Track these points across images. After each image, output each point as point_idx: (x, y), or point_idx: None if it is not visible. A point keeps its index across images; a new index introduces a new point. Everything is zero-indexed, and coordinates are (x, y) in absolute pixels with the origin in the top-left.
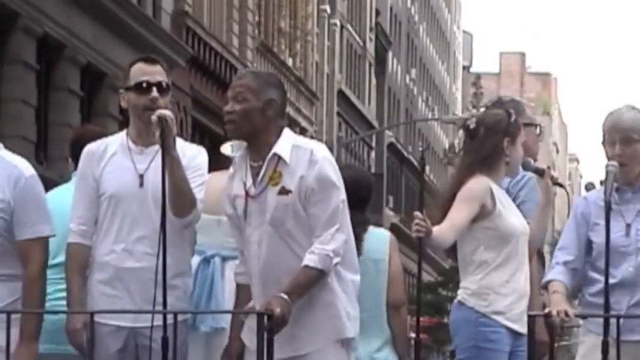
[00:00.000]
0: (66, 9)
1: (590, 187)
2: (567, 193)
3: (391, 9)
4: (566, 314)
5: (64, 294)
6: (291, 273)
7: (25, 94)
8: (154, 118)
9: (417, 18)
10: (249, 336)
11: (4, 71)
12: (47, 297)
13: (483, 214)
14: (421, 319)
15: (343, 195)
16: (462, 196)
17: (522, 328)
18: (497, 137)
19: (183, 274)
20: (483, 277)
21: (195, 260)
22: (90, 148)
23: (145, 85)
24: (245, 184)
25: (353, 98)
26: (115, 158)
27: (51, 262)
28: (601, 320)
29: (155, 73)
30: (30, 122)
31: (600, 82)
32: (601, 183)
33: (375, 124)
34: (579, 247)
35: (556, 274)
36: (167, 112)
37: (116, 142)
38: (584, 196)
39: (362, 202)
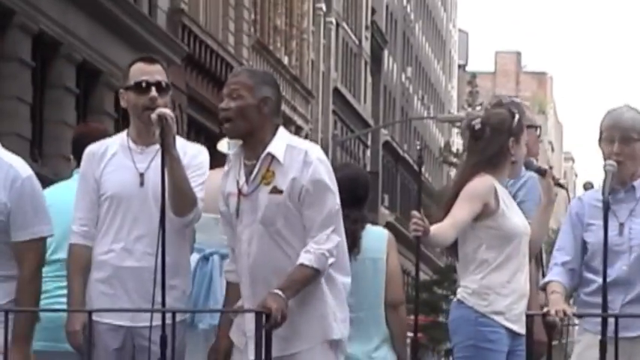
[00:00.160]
0: (62, 6)
1: (588, 186)
2: (568, 194)
3: (387, 7)
4: (565, 314)
5: (63, 291)
6: (280, 273)
7: (20, 92)
8: (153, 117)
9: (412, 16)
10: (236, 334)
11: None
12: (46, 294)
13: (486, 213)
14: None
15: (338, 199)
16: (465, 194)
17: (521, 329)
18: (502, 137)
19: (183, 275)
20: (484, 276)
21: (194, 258)
22: (91, 149)
23: (144, 84)
24: (238, 182)
25: (348, 96)
26: (115, 158)
27: (50, 258)
28: (597, 319)
29: (154, 72)
30: (25, 120)
31: (596, 82)
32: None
33: (371, 122)
34: (576, 247)
35: (554, 275)
36: (167, 111)
37: (117, 142)
38: (579, 196)
39: (359, 200)
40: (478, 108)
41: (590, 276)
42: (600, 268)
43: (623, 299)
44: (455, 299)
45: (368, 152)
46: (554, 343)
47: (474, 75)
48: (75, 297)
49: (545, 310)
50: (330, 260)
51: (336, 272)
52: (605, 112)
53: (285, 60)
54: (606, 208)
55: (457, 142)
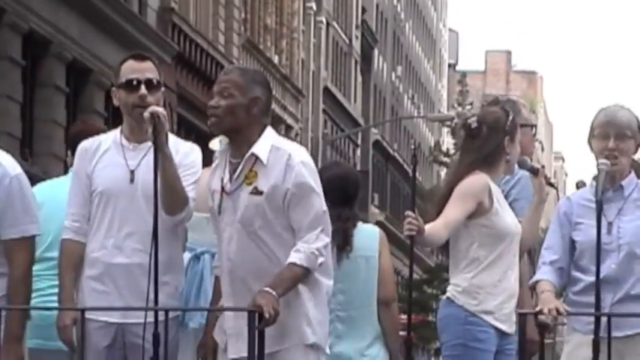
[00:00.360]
0: (52, 5)
1: (581, 185)
2: (557, 194)
3: (377, 6)
4: (558, 312)
5: (56, 290)
6: (258, 273)
7: (10, 90)
8: (146, 114)
9: (403, 16)
10: (219, 334)
11: None
12: (40, 292)
13: (480, 211)
14: (406, 316)
15: (323, 200)
16: (459, 192)
17: (509, 328)
18: (499, 136)
19: (175, 271)
20: (475, 275)
21: (186, 257)
22: (84, 145)
23: (134, 82)
24: (222, 180)
25: (339, 95)
26: (107, 155)
27: (45, 255)
28: (586, 318)
29: (145, 70)
30: (15, 118)
31: (586, 81)
32: (593, 178)
33: (361, 121)
34: (564, 246)
35: (543, 274)
36: (159, 109)
37: (110, 138)
38: (567, 196)
39: (349, 199)
40: (468, 107)
41: (578, 275)
42: (589, 266)
43: (612, 298)
44: (444, 297)
45: (358, 151)
46: (547, 341)
47: (464, 74)
48: (66, 292)
49: (537, 308)
50: (320, 260)
51: (321, 276)
52: (595, 111)
53: (276, 59)
54: (599, 207)
55: (447, 142)
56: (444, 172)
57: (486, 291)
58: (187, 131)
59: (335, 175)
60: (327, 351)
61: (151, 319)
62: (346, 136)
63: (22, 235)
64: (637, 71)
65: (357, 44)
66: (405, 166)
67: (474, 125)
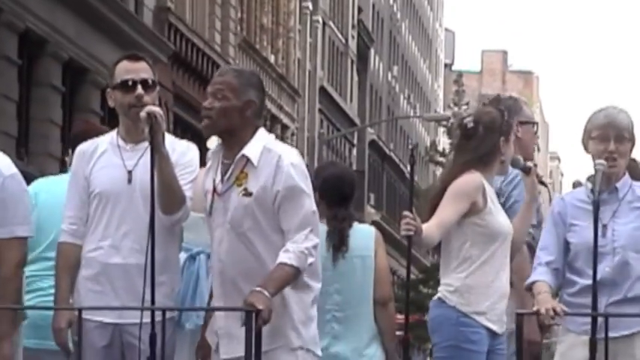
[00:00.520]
0: (48, 4)
1: (578, 185)
2: (549, 193)
3: (373, 6)
4: (555, 312)
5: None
6: (247, 275)
7: (6, 90)
8: (142, 114)
9: (399, 15)
10: (210, 335)
11: None
12: (41, 292)
13: (474, 210)
14: (401, 316)
15: (313, 202)
16: (453, 192)
17: (500, 329)
18: (495, 136)
19: (171, 271)
20: (468, 275)
21: (182, 257)
22: (81, 147)
23: (130, 83)
24: (214, 181)
25: (335, 95)
26: (104, 156)
27: (45, 255)
28: (581, 319)
29: (140, 70)
30: (11, 117)
31: (582, 82)
32: (587, 179)
33: (357, 121)
34: (559, 247)
35: (539, 275)
36: (156, 109)
37: (106, 140)
38: (561, 196)
39: (345, 199)
40: (464, 107)
41: (573, 277)
42: (584, 269)
43: (607, 300)
44: (435, 297)
45: (354, 151)
46: (545, 341)
47: (460, 74)
48: (61, 295)
49: (535, 308)
50: (310, 260)
51: (309, 279)
52: (591, 111)
53: (272, 58)
54: (596, 208)
55: (443, 142)
56: (439, 171)
57: (479, 291)
58: (183, 131)
59: (331, 175)
60: (319, 352)
61: (147, 319)
62: (342, 136)
63: (11, 236)
64: (633, 72)
65: (353, 44)
66: (402, 165)
67: (471, 125)
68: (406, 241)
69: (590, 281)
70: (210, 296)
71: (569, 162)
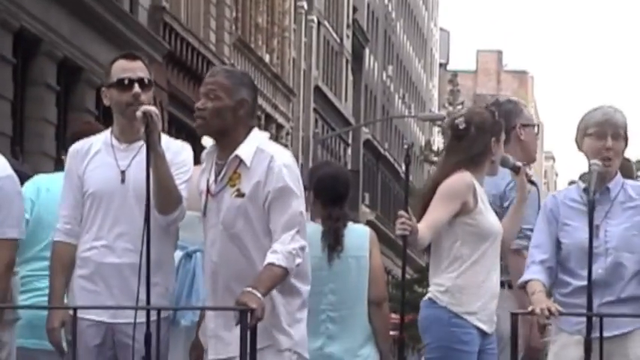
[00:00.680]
0: (43, 3)
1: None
2: (539, 192)
3: (368, 6)
4: (550, 311)
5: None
6: (238, 276)
7: (1, 88)
8: (138, 114)
9: (394, 15)
10: (203, 336)
11: None
12: (38, 292)
13: (465, 210)
14: (396, 315)
15: (303, 203)
16: (443, 192)
17: (490, 328)
18: (486, 137)
19: (165, 271)
20: (459, 275)
21: (177, 256)
22: (75, 147)
23: (126, 81)
24: (208, 181)
25: (330, 95)
26: (98, 156)
27: (43, 254)
28: (574, 319)
29: (136, 69)
30: (6, 116)
31: (576, 81)
32: (580, 177)
33: (352, 120)
34: (552, 245)
35: (534, 274)
36: (152, 108)
37: (100, 139)
38: (553, 194)
39: (340, 198)
40: (459, 107)
41: (566, 278)
42: (576, 270)
43: (599, 301)
44: (426, 297)
45: (349, 150)
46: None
47: (455, 74)
48: (55, 295)
49: (530, 308)
50: (297, 260)
51: (297, 281)
52: (585, 111)
53: (267, 58)
54: (592, 207)
55: (438, 141)
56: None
57: (470, 291)
58: (178, 130)
59: (325, 174)
60: (307, 355)
61: (141, 318)
62: (337, 136)
63: (2, 237)
64: (627, 72)
65: (348, 43)
66: (396, 165)
67: (462, 126)
68: (401, 241)
69: (583, 282)
70: None
71: (564, 162)
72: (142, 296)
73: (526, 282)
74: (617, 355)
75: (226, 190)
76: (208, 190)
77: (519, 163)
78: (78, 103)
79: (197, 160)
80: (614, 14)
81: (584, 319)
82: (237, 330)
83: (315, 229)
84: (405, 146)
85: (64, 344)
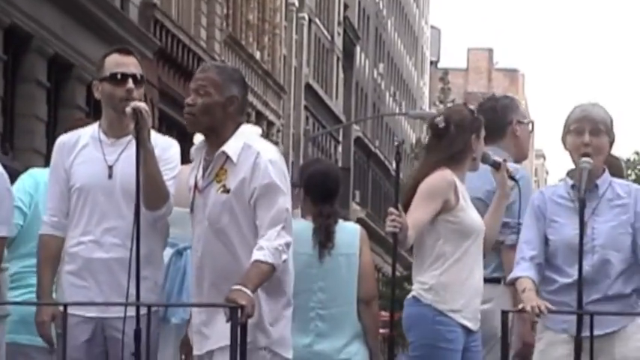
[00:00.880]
0: (34, 0)
1: None
2: (519, 188)
3: (359, 3)
4: (540, 310)
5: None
6: (223, 273)
7: None
8: (128, 109)
9: (385, 13)
10: (191, 333)
11: None
12: (30, 288)
13: (446, 208)
14: (386, 313)
15: (289, 200)
16: (424, 192)
17: (475, 326)
18: (466, 135)
19: (154, 266)
20: (442, 272)
21: (168, 253)
22: (62, 139)
23: (119, 76)
24: (196, 177)
25: (320, 92)
26: (85, 150)
27: (35, 251)
28: (562, 317)
29: (130, 64)
30: None
31: (567, 80)
32: (567, 174)
33: (343, 118)
34: (540, 241)
35: (523, 270)
36: (142, 104)
37: (88, 133)
38: (540, 190)
39: (330, 195)
40: (450, 105)
41: (552, 275)
42: (563, 267)
43: (586, 299)
44: (410, 295)
45: (339, 148)
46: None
47: (445, 71)
48: (43, 288)
49: (520, 306)
50: (284, 256)
51: (282, 278)
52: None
53: (257, 55)
54: (582, 207)
55: None
56: None
57: (454, 289)
58: (168, 127)
59: (316, 171)
60: (288, 355)
61: (130, 313)
62: (328, 133)
63: None
64: (618, 70)
65: (339, 41)
66: (387, 163)
67: (442, 125)
68: (391, 238)
69: (569, 280)
70: None
71: (555, 160)
72: (132, 291)
73: (516, 279)
74: (604, 353)
75: (213, 185)
76: (196, 186)
77: (499, 159)
78: (68, 99)
79: (187, 157)
80: (605, 13)
81: (570, 317)
82: (216, 325)
83: (305, 226)
84: (396, 144)
85: (54, 338)
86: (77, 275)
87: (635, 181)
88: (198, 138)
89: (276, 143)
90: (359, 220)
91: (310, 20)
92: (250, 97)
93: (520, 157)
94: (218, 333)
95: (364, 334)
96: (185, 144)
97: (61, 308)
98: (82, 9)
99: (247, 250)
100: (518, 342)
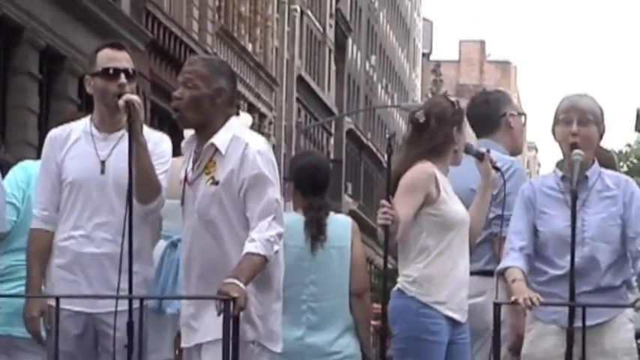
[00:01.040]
0: None
1: None
2: (504, 178)
3: None
4: (532, 302)
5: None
6: (211, 266)
7: None
8: (121, 103)
9: (377, 5)
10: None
11: None
12: (24, 281)
13: (428, 201)
14: (378, 305)
15: (278, 191)
16: (405, 186)
17: (462, 318)
18: (447, 128)
19: (143, 261)
20: (426, 265)
21: (162, 245)
22: (53, 132)
23: (111, 71)
24: (186, 170)
25: (312, 84)
26: (77, 144)
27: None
28: (549, 308)
29: (122, 59)
30: None
31: (559, 72)
32: (557, 165)
33: (335, 110)
34: (530, 231)
35: (513, 261)
36: (134, 97)
37: (80, 127)
38: (530, 180)
39: (320, 187)
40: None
41: (542, 267)
42: (553, 259)
43: (577, 291)
44: (395, 288)
45: (332, 140)
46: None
47: (438, 64)
48: (33, 282)
49: (512, 298)
50: (275, 247)
51: (271, 270)
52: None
53: (250, 47)
54: (574, 199)
55: None
56: None
57: (438, 281)
58: (161, 119)
59: (305, 164)
60: (276, 349)
61: (119, 307)
62: (320, 125)
63: None
64: (610, 62)
65: (331, 33)
66: (379, 155)
67: (422, 119)
68: (383, 231)
69: (559, 271)
70: None
71: (547, 152)
72: (121, 285)
73: (505, 269)
74: (594, 344)
75: (202, 177)
76: (186, 179)
77: (483, 150)
78: (60, 91)
79: (179, 150)
80: (597, 5)
81: (559, 308)
82: (205, 318)
83: (297, 219)
84: (388, 136)
85: (43, 333)
86: (67, 269)
87: (627, 173)
88: (189, 131)
89: (268, 136)
90: (351, 213)
91: (302, 12)
92: (242, 90)
93: (515, 149)
94: (207, 326)
95: (356, 326)
96: (177, 137)
97: (53, 302)
98: (73, 1)
99: (236, 242)
100: (512, 335)
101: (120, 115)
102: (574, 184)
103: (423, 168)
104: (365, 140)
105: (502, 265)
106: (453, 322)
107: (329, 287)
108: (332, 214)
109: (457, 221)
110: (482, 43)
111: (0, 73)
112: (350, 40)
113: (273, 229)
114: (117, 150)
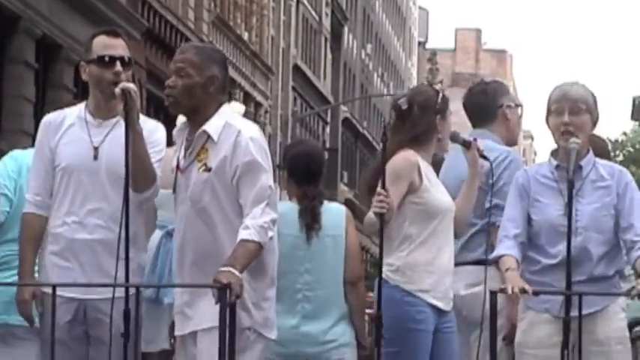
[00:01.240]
0: None
1: None
2: (492, 167)
3: None
4: (524, 291)
5: (36, 268)
6: (204, 253)
7: None
8: (117, 91)
9: None
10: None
11: None
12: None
13: (411, 189)
14: (371, 294)
15: (271, 177)
16: (388, 176)
17: (447, 306)
18: (430, 116)
19: (138, 247)
20: (408, 253)
21: (158, 235)
22: (48, 118)
23: (107, 58)
24: (178, 158)
25: (308, 73)
26: (71, 130)
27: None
28: (542, 297)
29: (118, 46)
30: None
31: (555, 60)
32: (551, 154)
33: (331, 99)
34: (524, 220)
35: (507, 249)
36: (130, 85)
37: (74, 113)
38: (524, 168)
39: (314, 176)
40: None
41: (534, 255)
42: (546, 248)
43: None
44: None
45: (327, 129)
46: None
47: (433, 52)
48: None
49: (502, 286)
50: (270, 233)
51: (265, 256)
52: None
53: (245, 36)
54: (571, 188)
55: None
56: None
57: (421, 269)
58: (156, 107)
59: (299, 153)
60: (271, 336)
61: (115, 295)
62: (316, 114)
63: None
64: (606, 50)
65: (326, 22)
66: (375, 143)
67: (405, 107)
68: (378, 219)
69: (553, 261)
70: None
71: (543, 140)
72: (119, 272)
73: (499, 257)
74: (587, 333)
75: (194, 165)
76: (178, 166)
77: (470, 138)
78: (57, 80)
79: (168, 139)
80: None
81: (552, 297)
82: (199, 306)
83: (291, 207)
84: (382, 124)
85: (37, 319)
86: (60, 256)
87: (622, 162)
88: (181, 120)
89: (264, 124)
90: (347, 201)
91: (298, 1)
92: (238, 78)
93: (511, 140)
94: (202, 314)
95: (350, 314)
96: (172, 125)
97: (49, 290)
98: None
99: (229, 229)
100: (507, 324)
101: (115, 102)
102: (570, 172)
103: (406, 156)
104: (361, 129)
105: (496, 252)
106: (438, 311)
107: (324, 276)
108: (326, 202)
109: (440, 209)
110: (478, 31)
111: None
112: (346, 29)
113: (266, 215)
114: (111, 136)
